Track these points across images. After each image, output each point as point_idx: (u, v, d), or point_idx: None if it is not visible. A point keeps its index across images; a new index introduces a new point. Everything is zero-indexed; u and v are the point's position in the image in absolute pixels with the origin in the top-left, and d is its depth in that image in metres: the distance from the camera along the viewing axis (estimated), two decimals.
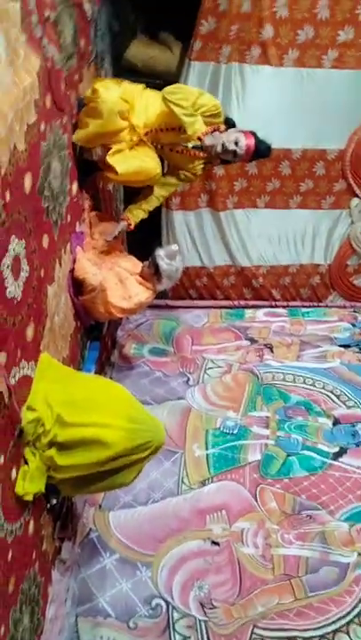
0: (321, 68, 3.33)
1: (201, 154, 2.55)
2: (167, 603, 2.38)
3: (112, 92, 2.33)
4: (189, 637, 2.28)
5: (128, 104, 2.38)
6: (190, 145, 2.50)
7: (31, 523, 1.90)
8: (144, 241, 4.13)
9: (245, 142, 2.45)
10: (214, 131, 2.46)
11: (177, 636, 2.28)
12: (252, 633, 2.30)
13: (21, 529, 1.80)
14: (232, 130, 2.51)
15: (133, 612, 2.34)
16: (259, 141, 2.50)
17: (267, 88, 3.38)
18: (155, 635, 2.28)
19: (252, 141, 2.46)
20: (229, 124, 2.55)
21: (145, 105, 2.44)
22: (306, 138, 3.57)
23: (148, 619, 2.33)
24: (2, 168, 1.52)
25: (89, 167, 2.61)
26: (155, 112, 2.45)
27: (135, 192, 2.83)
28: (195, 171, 2.66)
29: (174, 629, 2.30)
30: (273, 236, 3.92)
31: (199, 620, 2.33)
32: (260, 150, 2.52)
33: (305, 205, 3.82)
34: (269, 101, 3.38)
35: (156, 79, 3.24)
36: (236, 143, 2.44)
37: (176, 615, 2.34)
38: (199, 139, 2.40)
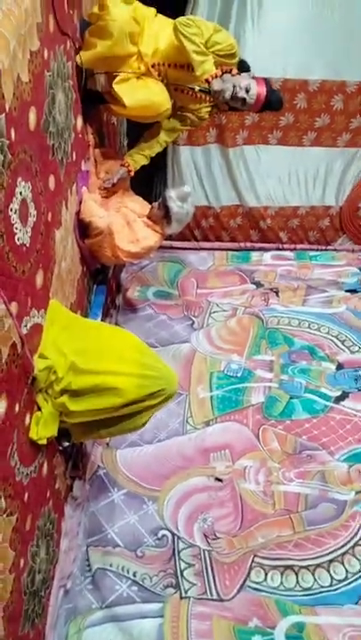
0: None
1: (208, 97, 2.36)
2: (173, 534, 2.49)
3: (123, 10, 2.11)
4: (194, 565, 2.42)
5: (139, 26, 2.17)
6: (197, 88, 2.30)
7: (45, 464, 1.96)
8: (147, 177, 3.97)
9: (257, 90, 2.25)
10: (225, 73, 2.26)
11: (182, 564, 2.41)
12: (252, 561, 2.43)
13: (36, 471, 1.85)
14: (245, 75, 2.29)
15: (141, 542, 2.46)
16: (271, 91, 2.30)
17: (286, 7, 3.10)
18: (161, 562, 2.41)
19: (263, 90, 2.26)
20: (243, 67, 2.33)
21: (155, 32, 2.23)
22: (325, 67, 3.33)
23: (154, 548, 2.45)
24: (6, 103, 1.40)
25: (92, 99, 2.44)
26: (164, 43, 2.24)
27: (139, 125, 2.67)
28: (200, 114, 2.48)
29: (180, 558, 2.43)
30: (283, 175, 3.76)
31: (203, 550, 2.45)
32: (271, 102, 2.32)
33: (319, 143, 3.63)
34: (288, 24, 3.12)
35: None
36: (247, 91, 2.24)
37: (181, 545, 2.46)
38: (207, 81, 2.21)
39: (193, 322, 3.44)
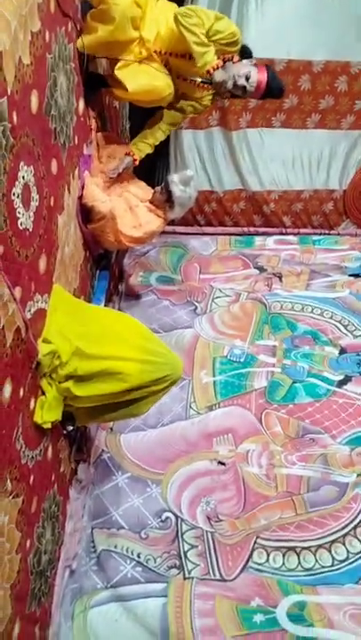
0: None
1: (209, 87, 2.34)
2: (176, 516, 2.52)
3: None
4: (197, 546, 2.45)
5: (140, 10, 2.14)
6: (199, 80, 2.29)
7: (50, 448, 1.98)
8: (150, 162, 3.93)
9: (257, 78, 2.23)
10: (226, 61, 2.23)
11: (185, 546, 2.44)
12: (254, 543, 2.46)
13: (41, 454, 1.88)
14: (245, 62, 2.27)
15: (145, 525, 2.49)
16: (272, 78, 2.27)
17: None
18: (165, 544, 2.44)
19: (264, 77, 2.24)
20: (245, 53, 2.30)
21: (157, 16, 2.20)
22: (329, 48, 3.27)
23: (158, 530, 2.48)
24: (8, 86, 1.39)
25: (94, 82, 2.41)
26: (166, 30, 2.21)
27: (142, 110, 2.64)
28: (203, 102, 2.46)
29: (183, 539, 2.46)
30: (287, 158, 3.72)
31: (206, 532, 2.48)
32: (272, 89, 2.29)
33: (323, 125, 3.59)
34: (291, 5, 3.06)
35: None
36: (247, 78, 2.22)
37: (185, 527, 2.49)
38: (209, 72, 2.18)
39: (196, 307, 3.43)
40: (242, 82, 2.23)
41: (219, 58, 2.20)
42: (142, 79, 2.24)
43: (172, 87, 2.32)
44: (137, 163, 2.58)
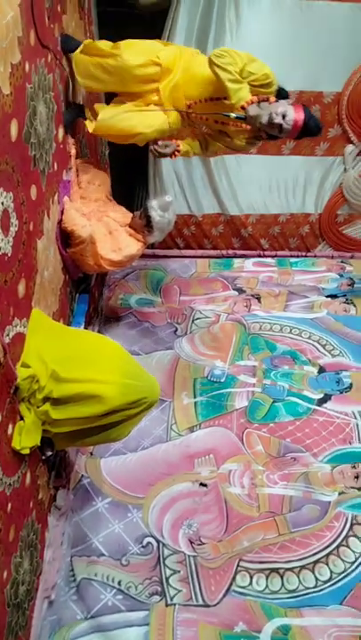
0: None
1: (244, 125, 2.32)
2: (158, 541, 2.49)
3: (138, 56, 2.22)
4: (179, 571, 2.42)
5: (159, 68, 2.23)
6: (233, 115, 2.26)
7: (28, 474, 1.95)
8: (130, 188, 4.00)
9: (294, 117, 2.19)
10: (261, 102, 2.22)
11: (167, 571, 2.41)
12: (237, 566, 2.44)
13: (19, 481, 1.85)
14: (282, 101, 2.26)
15: (126, 551, 2.45)
16: (309, 117, 2.25)
17: (263, 21, 3.17)
18: (146, 570, 2.41)
19: (300, 116, 2.21)
20: (282, 94, 2.30)
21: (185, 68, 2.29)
22: (303, 79, 3.40)
23: (139, 556, 2.45)
24: None
25: (73, 110, 2.46)
26: (196, 81, 2.29)
27: None
28: (235, 141, 2.45)
29: (165, 565, 2.43)
30: (264, 183, 3.82)
31: (188, 556, 2.46)
32: (309, 128, 2.26)
33: (298, 152, 3.70)
34: (265, 37, 3.18)
35: (138, 9, 3.05)
36: (284, 117, 2.19)
37: (166, 552, 2.46)
38: (243, 108, 2.18)
39: (176, 329, 3.46)
40: (278, 120, 2.19)
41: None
42: (120, 120, 2.29)
43: (151, 129, 2.34)
44: (177, 154, 2.55)
